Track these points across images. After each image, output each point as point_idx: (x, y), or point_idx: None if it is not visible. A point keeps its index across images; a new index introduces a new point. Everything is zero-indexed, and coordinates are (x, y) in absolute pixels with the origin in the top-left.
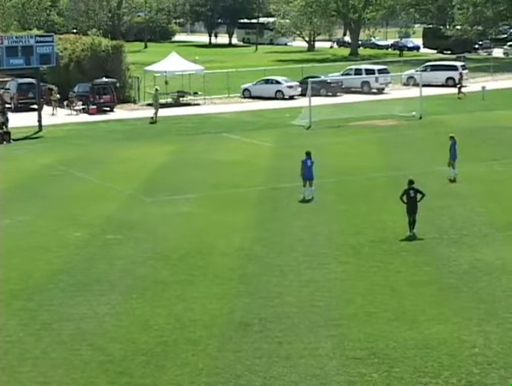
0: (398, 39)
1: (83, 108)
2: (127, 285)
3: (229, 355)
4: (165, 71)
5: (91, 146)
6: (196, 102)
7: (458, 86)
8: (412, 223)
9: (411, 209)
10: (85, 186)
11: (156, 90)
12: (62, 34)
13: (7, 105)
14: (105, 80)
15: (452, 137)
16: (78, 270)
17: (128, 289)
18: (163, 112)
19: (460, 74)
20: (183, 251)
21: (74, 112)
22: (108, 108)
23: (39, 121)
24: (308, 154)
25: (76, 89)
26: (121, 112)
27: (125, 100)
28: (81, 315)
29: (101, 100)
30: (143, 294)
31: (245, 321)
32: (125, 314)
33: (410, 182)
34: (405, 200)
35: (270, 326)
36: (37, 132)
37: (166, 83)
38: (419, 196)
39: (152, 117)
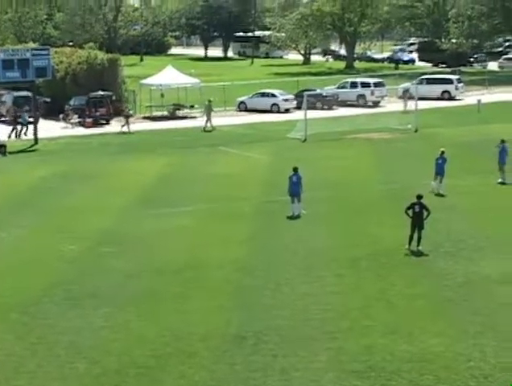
0: (393, 52)
1: (79, 122)
2: (122, 299)
3: (224, 367)
4: (161, 85)
5: (86, 159)
6: (192, 115)
7: (404, 100)
8: (418, 240)
9: (416, 224)
10: (81, 199)
11: (209, 101)
12: (58, 47)
13: (2, 118)
14: (101, 93)
15: (442, 152)
16: (73, 283)
17: (123, 302)
18: (158, 125)
19: (408, 89)
20: (178, 264)
21: (70, 126)
22: (104, 122)
23: (35, 134)
24: (295, 170)
25: (72, 102)
26: (117, 126)
27: (122, 113)
28: (76, 328)
29: (97, 114)
30: (138, 307)
31: (241, 334)
32: (121, 327)
33: (418, 196)
34: (410, 214)
35: (266, 339)
36: (33, 145)
37: (162, 96)
38: (425, 213)
39: (204, 127)
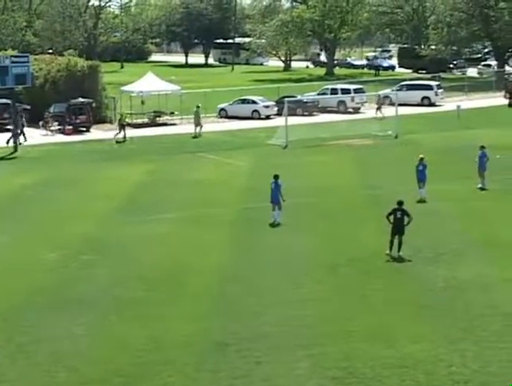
0: (368, 60)
1: (59, 129)
2: (104, 306)
3: (206, 375)
4: (141, 91)
5: (67, 166)
6: (172, 122)
7: (377, 107)
8: (398, 246)
9: (397, 230)
10: (62, 207)
11: (197, 107)
12: (38, 54)
13: None
14: (81, 100)
15: (421, 159)
16: (54, 291)
17: (105, 309)
18: (139, 132)
19: (379, 95)
20: (160, 270)
21: (50, 133)
22: (84, 129)
23: (15, 141)
24: (275, 178)
25: (51, 109)
26: (97, 133)
27: (102, 120)
28: (57, 336)
29: (77, 121)
30: (120, 315)
31: (223, 340)
32: (102, 335)
33: (399, 203)
34: (391, 220)
35: (248, 345)
36: (13, 152)
37: (142, 103)
38: (406, 219)
39: (197, 133)
